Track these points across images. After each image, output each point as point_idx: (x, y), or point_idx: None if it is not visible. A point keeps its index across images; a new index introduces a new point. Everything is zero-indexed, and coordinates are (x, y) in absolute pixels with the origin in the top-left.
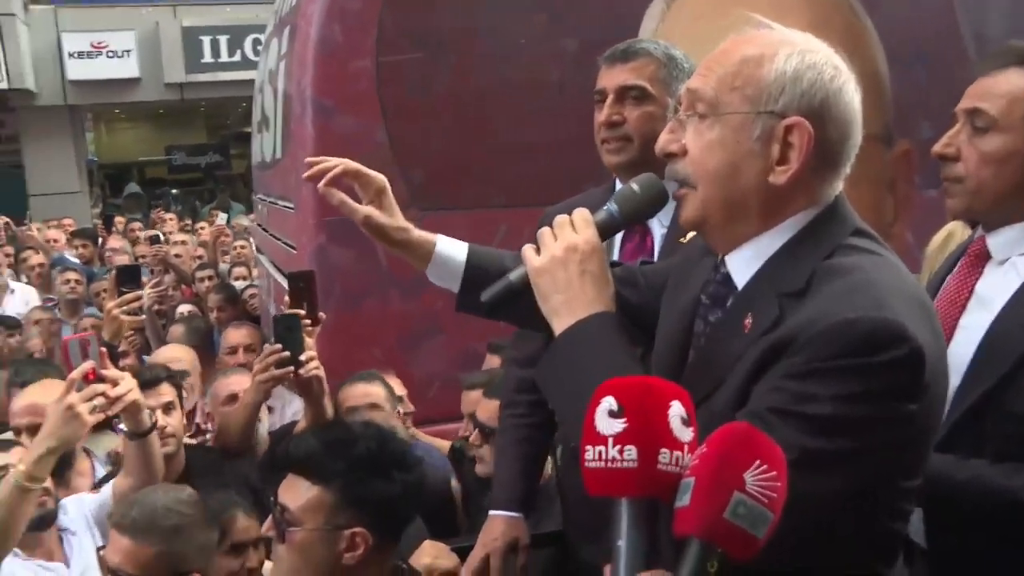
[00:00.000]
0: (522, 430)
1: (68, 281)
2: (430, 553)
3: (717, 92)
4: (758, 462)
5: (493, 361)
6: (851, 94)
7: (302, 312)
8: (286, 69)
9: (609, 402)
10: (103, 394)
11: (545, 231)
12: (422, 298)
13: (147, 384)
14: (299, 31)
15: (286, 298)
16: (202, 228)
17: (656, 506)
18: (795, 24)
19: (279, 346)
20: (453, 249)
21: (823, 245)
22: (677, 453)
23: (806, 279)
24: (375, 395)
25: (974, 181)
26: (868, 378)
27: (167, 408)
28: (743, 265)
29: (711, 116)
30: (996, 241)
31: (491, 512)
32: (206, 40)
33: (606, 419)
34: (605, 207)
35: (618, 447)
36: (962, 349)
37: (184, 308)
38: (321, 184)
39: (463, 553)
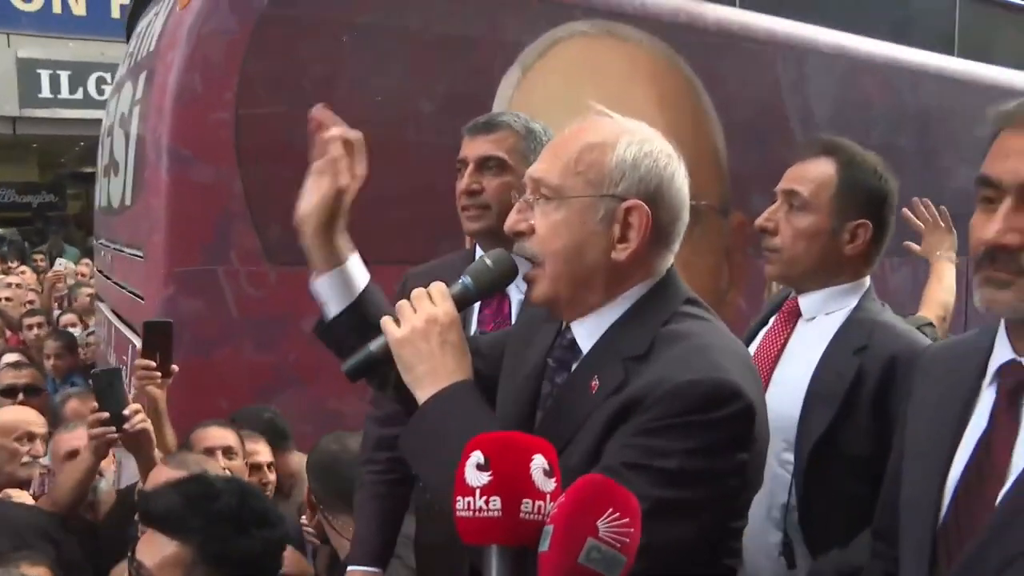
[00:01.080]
0: (380, 487)
1: None
2: None
3: (561, 177)
4: (611, 510)
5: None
6: (681, 180)
7: (152, 360)
8: (140, 114)
9: (477, 456)
10: None
11: (404, 304)
12: (276, 350)
13: None
14: (157, 77)
15: (138, 346)
16: (23, 271)
17: (523, 552)
18: (646, 103)
19: (95, 406)
20: (357, 272)
21: (660, 313)
22: (539, 502)
23: (648, 344)
24: (231, 440)
25: (789, 252)
26: (710, 432)
27: None
28: (587, 332)
29: (556, 199)
30: (806, 302)
31: (349, 568)
32: (45, 74)
33: (474, 472)
34: (460, 280)
35: (484, 498)
36: (776, 401)
37: (10, 357)
38: (329, 133)
39: None
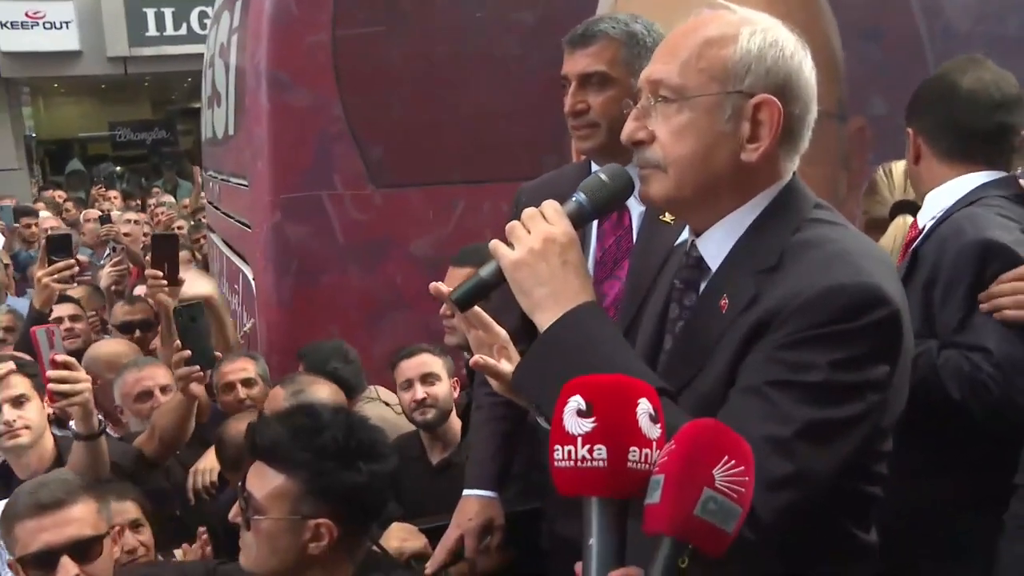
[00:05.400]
0: (498, 408)
1: None
2: (398, 536)
3: (682, 76)
4: (726, 458)
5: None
6: (809, 70)
7: (160, 271)
8: (239, 43)
9: (577, 401)
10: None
11: (515, 225)
12: (381, 273)
13: None
14: (252, 4)
15: (249, 275)
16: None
17: (626, 504)
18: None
19: (179, 344)
20: None
21: (790, 220)
22: (646, 451)
23: (778, 255)
24: (251, 370)
25: None
26: (856, 342)
27: (16, 401)
28: (715, 247)
29: (678, 100)
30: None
31: (465, 491)
32: (150, 12)
33: (574, 418)
34: (573, 198)
35: (587, 446)
36: None
37: (140, 290)
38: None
39: (436, 533)
